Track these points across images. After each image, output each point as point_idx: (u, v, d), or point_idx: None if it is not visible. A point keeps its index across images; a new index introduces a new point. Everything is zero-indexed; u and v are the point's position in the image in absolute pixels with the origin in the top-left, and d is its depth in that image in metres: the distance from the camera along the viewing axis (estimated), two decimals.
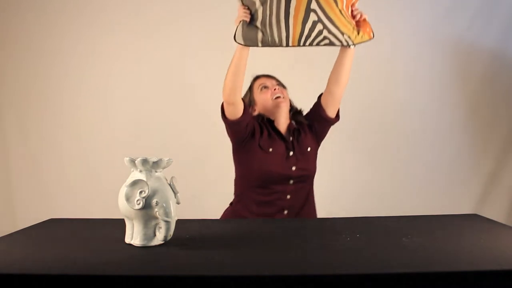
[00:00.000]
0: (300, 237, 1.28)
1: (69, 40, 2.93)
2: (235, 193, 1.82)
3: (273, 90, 1.81)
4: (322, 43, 1.64)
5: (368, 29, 1.66)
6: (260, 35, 1.60)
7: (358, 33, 1.65)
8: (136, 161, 1.16)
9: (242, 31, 1.60)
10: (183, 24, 2.91)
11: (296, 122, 1.84)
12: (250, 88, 1.88)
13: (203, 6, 2.89)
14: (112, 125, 2.92)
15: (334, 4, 1.59)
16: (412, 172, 2.92)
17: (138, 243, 1.15)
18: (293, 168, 1.74)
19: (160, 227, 1.15)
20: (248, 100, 1.86)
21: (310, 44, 1.63)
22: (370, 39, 1.67)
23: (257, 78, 1.89)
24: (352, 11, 1.65)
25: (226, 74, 1.66)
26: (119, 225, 1.24)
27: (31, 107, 2.94)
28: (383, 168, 2.91)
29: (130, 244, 1.17)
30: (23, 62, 2.93)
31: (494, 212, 2.76)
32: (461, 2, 2.93)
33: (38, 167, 2.93)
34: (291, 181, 1.73)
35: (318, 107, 1.82)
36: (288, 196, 1.73)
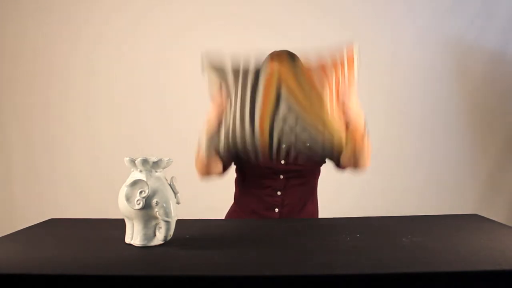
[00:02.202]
0: (300, 237, 1.28)
1: (70, 39, 2.93)
2: (235, 191, 1.80)
3: None
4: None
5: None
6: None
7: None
8: (136, 161, 1.16)
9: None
10: (183, 22, 2.91)
11: None
12: None
13: (205, 4, 2.89)
14: (111, 125, 2.92)
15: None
16: (412, 172, 2.93)
17: (138, 243, 1.15)
18: (282, 161, 1.65)
19: (160, 227, 1.15)
20: None
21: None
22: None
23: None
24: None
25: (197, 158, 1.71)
26: (119, 225, 1.24)
27: (31, 106, 2.94)
28: (383, 168, 2.90)
29: (130, 244, 1.17)
30: (23, 61, 2.93)
31: (494, 212, 2.76)
32: (461, 2, 2.94)
33: (38, 167, 2.93)
34: (281, 176, 1.66)
35: None
36: (279, 193, 1.66)
